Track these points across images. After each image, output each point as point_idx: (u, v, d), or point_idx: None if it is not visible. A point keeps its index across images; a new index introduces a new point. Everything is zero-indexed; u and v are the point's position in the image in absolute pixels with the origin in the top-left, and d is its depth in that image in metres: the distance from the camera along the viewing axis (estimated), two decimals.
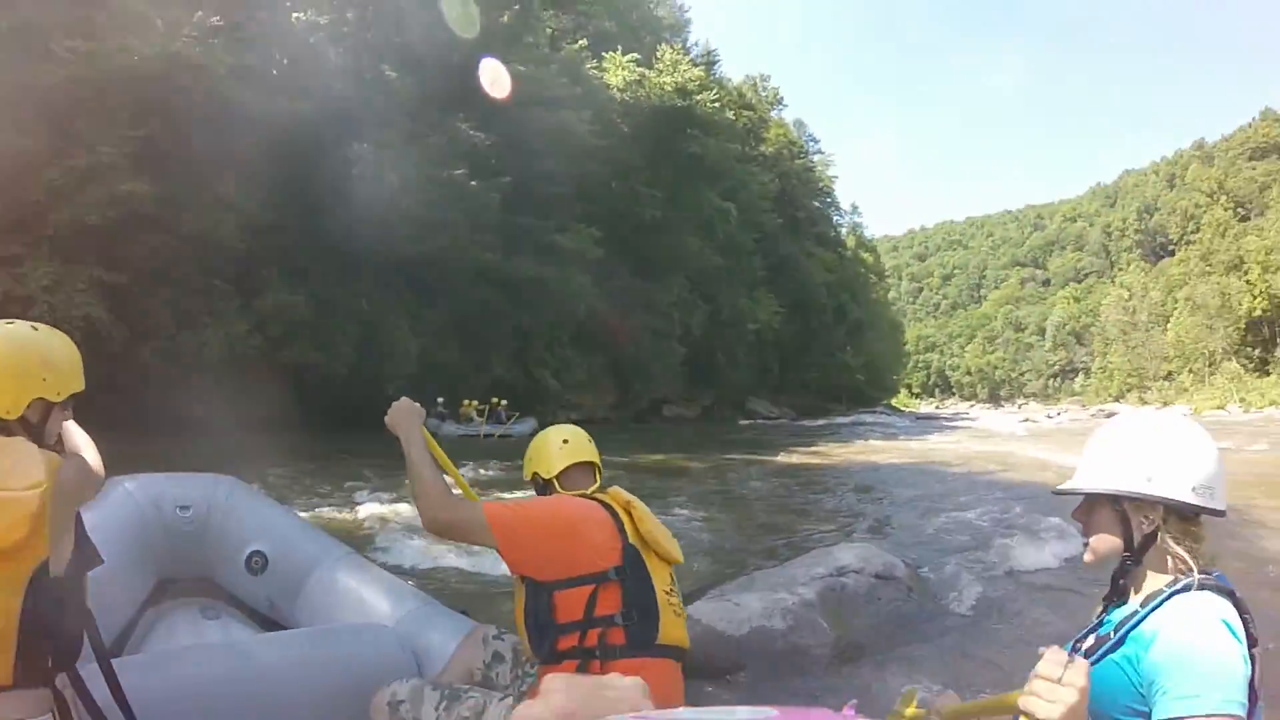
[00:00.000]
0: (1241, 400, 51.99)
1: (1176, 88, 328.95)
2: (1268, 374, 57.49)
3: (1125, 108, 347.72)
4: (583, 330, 24.31)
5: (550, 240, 22.30)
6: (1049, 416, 49.40)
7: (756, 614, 3.55)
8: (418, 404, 1.99)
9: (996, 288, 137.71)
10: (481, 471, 11.46)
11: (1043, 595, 5.20)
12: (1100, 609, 1.38)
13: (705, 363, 32.22)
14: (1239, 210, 75.09)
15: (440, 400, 18.26)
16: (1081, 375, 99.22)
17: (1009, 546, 6.56)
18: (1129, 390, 73.91)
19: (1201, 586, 1.23)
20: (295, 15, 20.09)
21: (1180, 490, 1.25)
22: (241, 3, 18.82)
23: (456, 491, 1.93)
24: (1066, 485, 1.40)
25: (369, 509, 8.05)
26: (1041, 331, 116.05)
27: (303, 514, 4.65)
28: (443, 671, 2.16)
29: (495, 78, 18.24)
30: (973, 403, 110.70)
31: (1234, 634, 1.16)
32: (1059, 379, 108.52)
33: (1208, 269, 66.65)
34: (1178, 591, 1.24)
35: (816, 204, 52.09)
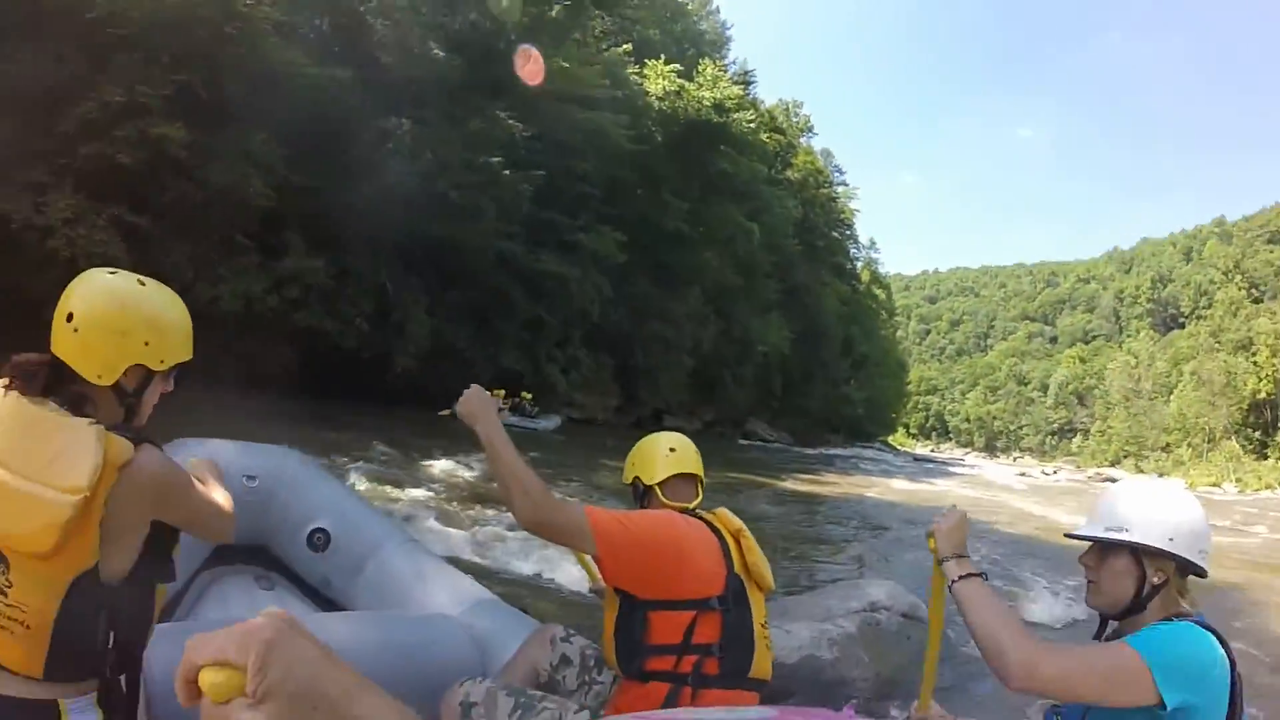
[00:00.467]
0: (1238, 480, 51.94)
1: (1202, 163, 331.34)
2: (1266, 457, 57.40)
3: (1150, 176, 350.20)
4: (595, 331, 24.29)
5: (575, 238, 22.30)
6: (1045, 473, 49.47)
7: (806, 642, 3.63)
8: (487, 392, 1.90)
9: (1004, 339, 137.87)
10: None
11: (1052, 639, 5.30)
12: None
13: (711, 378, 32.17)
14: (1253, 291, 75.16)
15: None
16: (1080, 436, 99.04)
17: (1016, 594, 6.65)
18: (1125, 456, 73.97)
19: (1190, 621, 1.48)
20: None
21: (1193, 553, 1.48)
22: None
23: None
24: (1084, 530, 1.57)
25: (380, 485, 7.96)
26: (1044, 388, 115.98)
27: None
28: (507, 669, 2.10)
29: (529, 63, 18.18)
30: (969, 450, 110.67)
31: (1217, 643, 1.42)
32: (1057, 437, 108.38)
33: (1216, 345, 66.74)
34: (1167, 620, 1.48)
35: (836, 234, 52.05)
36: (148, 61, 14.53)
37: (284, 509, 3.15)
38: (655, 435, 2.12)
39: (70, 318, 1.29)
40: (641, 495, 2.04)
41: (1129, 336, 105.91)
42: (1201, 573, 1.50)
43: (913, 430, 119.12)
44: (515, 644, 2.21)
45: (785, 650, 3.43)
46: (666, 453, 2.02)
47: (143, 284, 1.37)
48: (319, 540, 3.09)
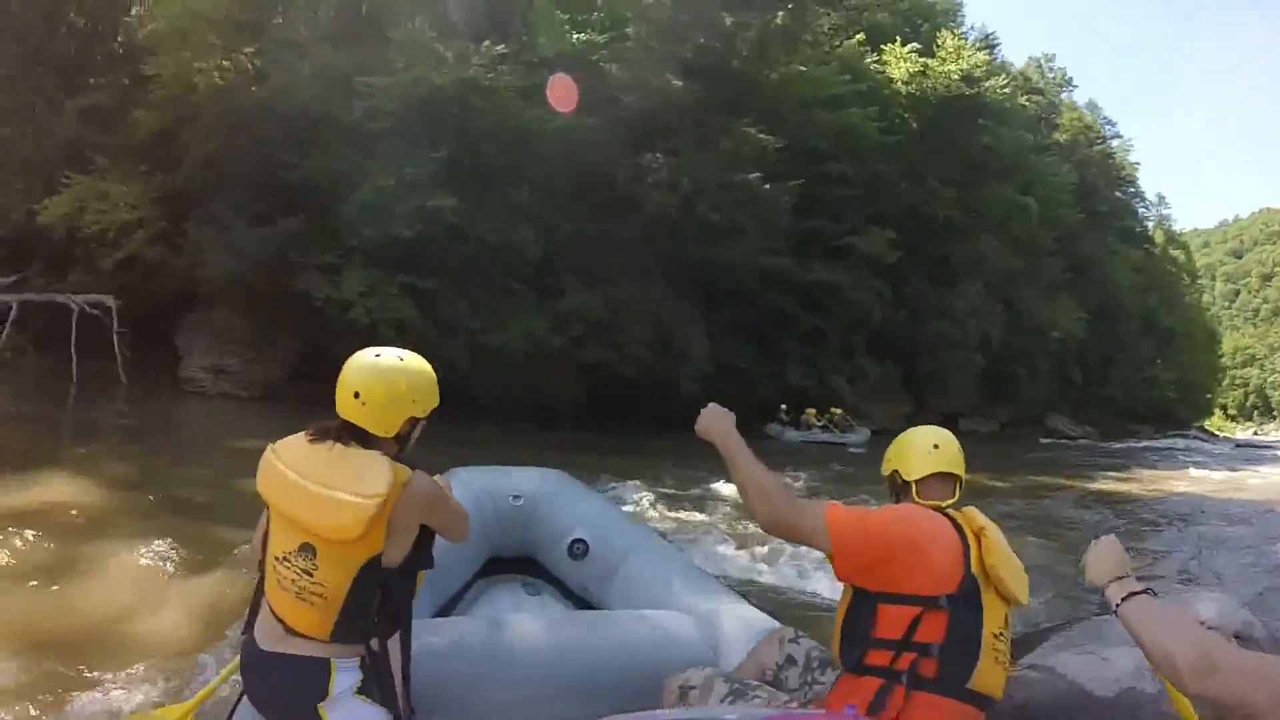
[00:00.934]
0: None
1: None
2: None
3: None
4: (877, 337, 22.94)
5: (843, 244, 21.37)
6: None
7: (1128, 674, 2.74)
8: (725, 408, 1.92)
9: None
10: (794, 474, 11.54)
11: None
12: None
13: (1003, 375, 29.36)
14: None
15: (783, 408, 19.54)
16: None
17: None
18: None
19: None
20: (576, 37, 21.04)
21: None
22: (523, 30, 20.05)
23: None
24: None
25: (665, 508, 8.16)
26: None
27: None
28: (738, 667, 2.13)
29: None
30: None
31: None
32: None
33: None
34: None
35: (1119, 195, 45.89)
36: (410, 145, 15.92)
37: (546, 522, 3.48)
38: (919, 429, 2.05)
39: (356, 395, 1.72)
40: (898, 490, 1.99)
41: None
42: None
43: (1231, 411, 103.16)
44: (751, 644, 2.26)
45: (1101, 682, 2.77)
46: (929, 449, 1.95)
47: (402, 359, 1.79)
48: (578, 549, 3.34)
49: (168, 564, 4.56)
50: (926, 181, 25.35)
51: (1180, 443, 37.67)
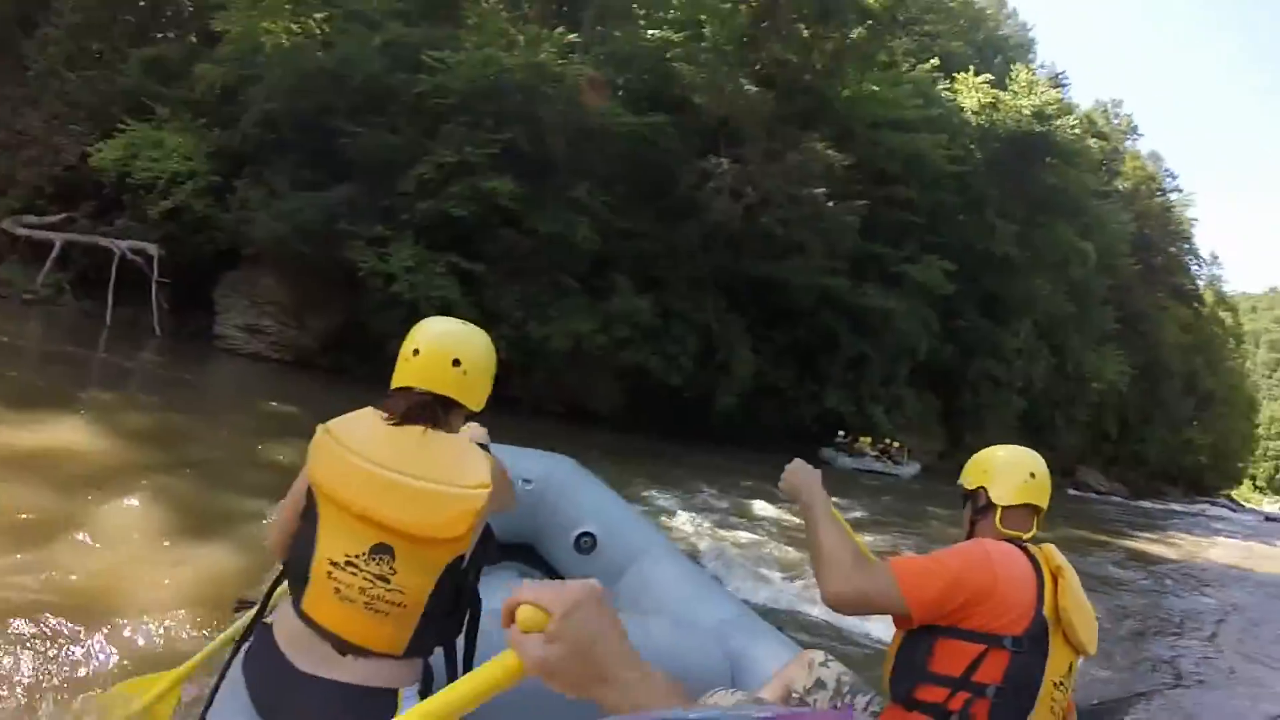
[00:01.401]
0: None
1: None
2: None
3: None
4: (920, 368, 22.40)
5: (900, 270, 20.84)
6: None
7: None
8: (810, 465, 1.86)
9: None
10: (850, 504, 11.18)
11: None
12: None
13: (1040, 420, 28.57)
14: None
15: (840, 433, 19.51)
16: None
17: None
18: None
19: None
20: (650, 33, 20.79)
21: None
22: (599, 21, 19.83)
23: None
24: None
25: (696, 519, 7.95)
26: None
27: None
28: (765, 688, 2.01)
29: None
30: None
31: None
32: None
33: None
34: None
35: (1173, 250, 44.78)
36: (473, 126, 15.70)
37: (553, 511, 3.32)
38: (1014, 449, 1.90)
39: (457, 362, 1.55)
40: (980, 510, 1.82)
41: None
42: None
43: (1259, 483, 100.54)
44: (769, 662, 2.21)
45: None
46: (1026, 478, 1.80)
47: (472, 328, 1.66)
48: (586, 544, 3.21)
49: (171, 524, 4.26)
50: (987, 215, 24.72)
51: (1210, 509, 37.14)
